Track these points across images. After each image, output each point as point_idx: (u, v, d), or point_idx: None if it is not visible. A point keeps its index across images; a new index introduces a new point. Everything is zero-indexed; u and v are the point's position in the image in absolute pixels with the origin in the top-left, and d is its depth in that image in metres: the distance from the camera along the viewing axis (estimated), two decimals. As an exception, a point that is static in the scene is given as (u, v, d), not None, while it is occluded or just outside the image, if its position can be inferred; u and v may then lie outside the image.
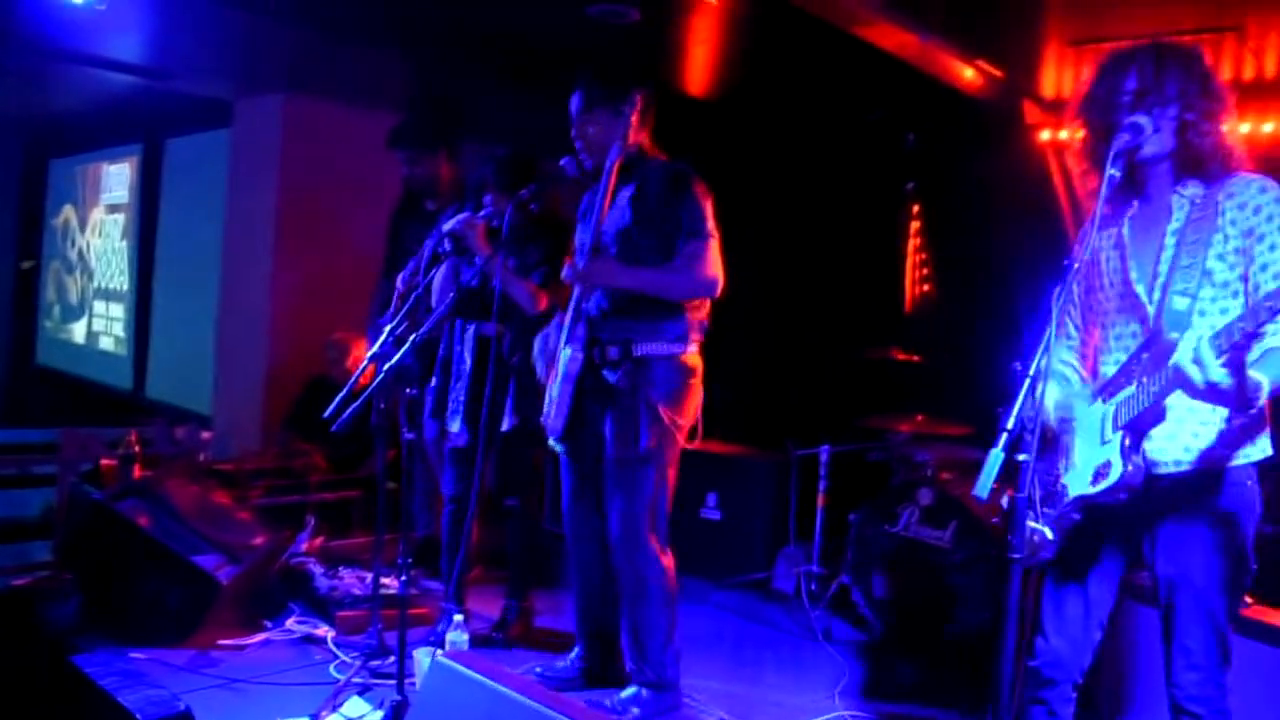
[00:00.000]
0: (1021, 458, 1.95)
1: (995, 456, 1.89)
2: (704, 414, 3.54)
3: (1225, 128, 2.36)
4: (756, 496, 5.18)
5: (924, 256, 6.06)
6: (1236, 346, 1.99)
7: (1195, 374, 2.01)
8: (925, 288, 6.06)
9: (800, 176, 6.42)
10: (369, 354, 3.44)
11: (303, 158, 6.43)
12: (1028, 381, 1.95)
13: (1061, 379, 2.55)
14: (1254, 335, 1.99)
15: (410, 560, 3.44)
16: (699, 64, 5.50)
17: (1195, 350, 2.00)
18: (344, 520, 5.25)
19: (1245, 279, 2.28)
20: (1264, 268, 2.25)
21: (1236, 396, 2.02)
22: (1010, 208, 5.47)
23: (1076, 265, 2.16)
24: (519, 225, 3.50)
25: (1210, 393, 2.03)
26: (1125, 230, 2.45)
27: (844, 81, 5.47)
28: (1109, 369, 2.45)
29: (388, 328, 3.43)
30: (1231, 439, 2.31)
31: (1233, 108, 2.37)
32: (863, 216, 6.15)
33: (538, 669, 3.85)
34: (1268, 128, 4.61)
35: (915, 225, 6.08)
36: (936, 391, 5.18)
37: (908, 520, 4.42)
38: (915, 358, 5.16)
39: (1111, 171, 2.20)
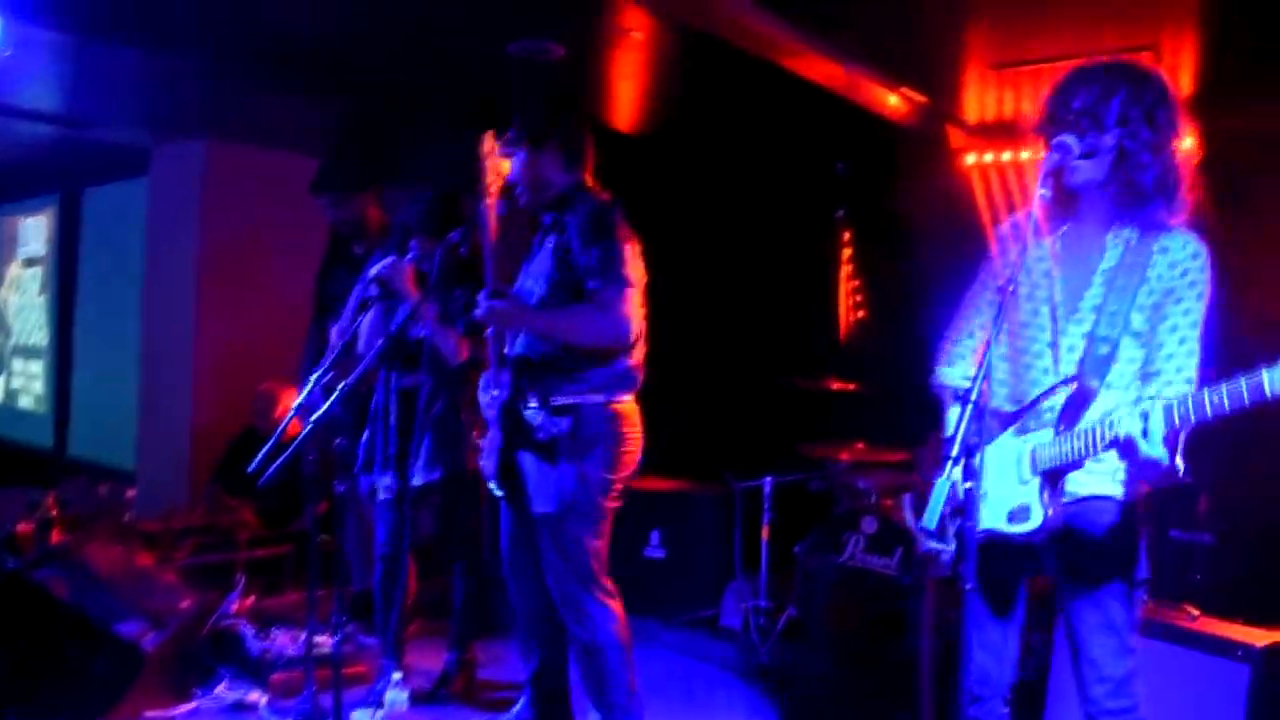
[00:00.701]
0: (967, 485, 1.90)
1: (942, 486, 1.85)
2: (646, 451, 3.44)
3: (1172, 161, 2.33)
4: (700, 532, 5.12)
5: (857, 283, 6.07)
6: (1175, 430, 2.03)
7: (1143, 447, 2.03)
8: (859, 314, 6.06)
9: (732, 208, 6.40)
10: (295, 405, 3.32)
11: (225, 204, 6.28)
12: (970, 407, 1.91)
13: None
14: (1189, 422, 2.01)
15: (344, 617, 3.30)
16: (626, 99, 5.46)
17: (1146, 426, 2.03)
18: (276, 577, 5.08)
19: (1153, 332, 2.31)
20: (1173, 329, 2.29)
21: (1166, 472, 2.07)
22: (938, 232, 5.50)
23: (1011, 288, 2.12)
24: (447, 270, 3.40)
25: (1145, 464, 2.07)
26: (1058, 246, 2.45)
27: (772, 112, 5.46)
28: (1009, 381, 2.47)
29: (314, 377, 3.31)
30: (1135, 482, 2.37)
31: (1182, 138, 2.34)
32: (795, 246, 6.14)
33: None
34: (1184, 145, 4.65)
35: (847, 252, 6.08)
36: (875, 418, 5.15)
37: (853, 549, 4.38)
38: (851, 385, 5.14)
39: (1041, 191, 2.18)
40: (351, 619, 4.78)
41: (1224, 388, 1.96)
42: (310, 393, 3.24)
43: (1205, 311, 2.31)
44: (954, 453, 1.87)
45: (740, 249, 6.32)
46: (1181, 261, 2.30)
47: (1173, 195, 2.33)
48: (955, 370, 2.68)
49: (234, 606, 4.55)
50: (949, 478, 1.85)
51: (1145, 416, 2.04)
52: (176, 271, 6.37)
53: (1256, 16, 3.77)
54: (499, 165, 3.28)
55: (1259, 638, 3.18)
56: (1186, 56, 4.22)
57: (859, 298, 6.08)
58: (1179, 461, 2.10)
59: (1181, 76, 4.43)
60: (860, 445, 4.82)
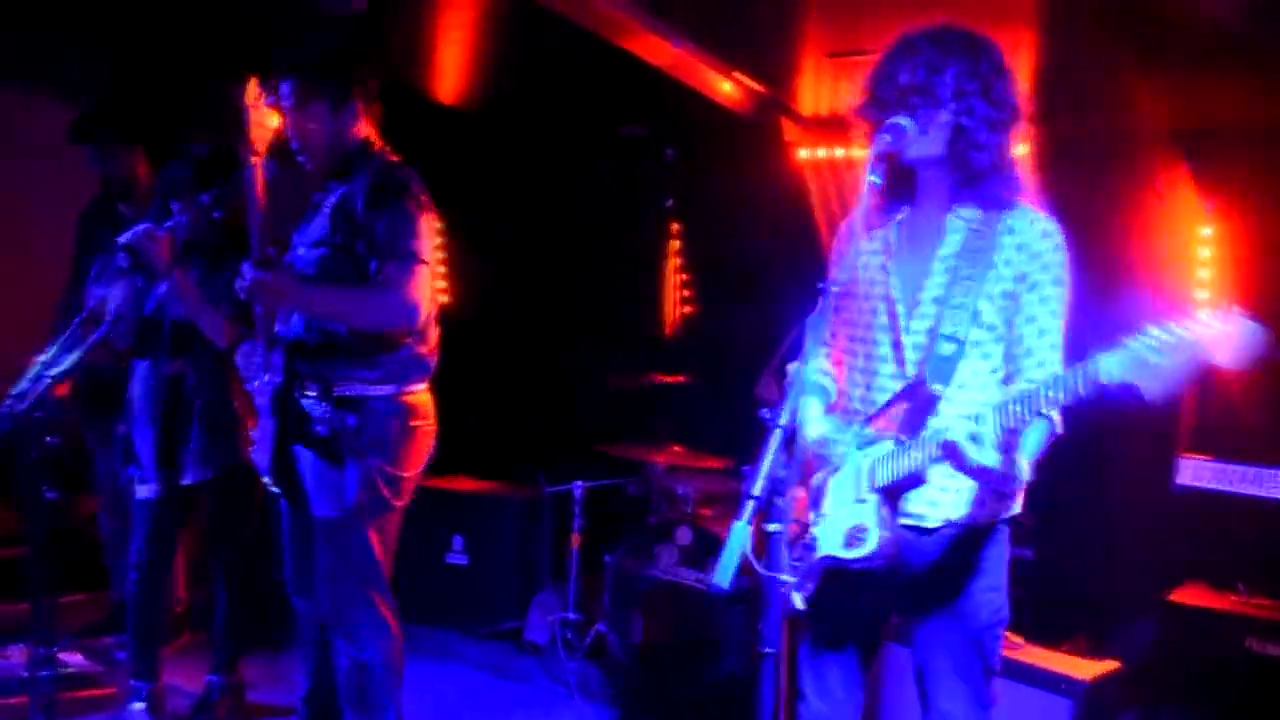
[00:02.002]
0: (773, 528, 1.60)
1: (740, 531, 1.54)
2: (450, 449, 3.08)
3: (1009, 141, 2.11)
4: (507, 538, 4.73)
5: (685, 277, 5.81)
6: (1011, 431, 1.84)
7: (971, 454, 1.82)
8: (687, 309, 5.80)
9: (556, 192, 6.07)
10: (13, 389, 2.81)
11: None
12: (778, 435, 1.61)
13: (820, 391, 2.32)
14: (1025, 421, 1.83)
15: (44, 640, 2.81)
16: (447, 68, 5.07)
17: (974, 430, 1.83)
18: (17, 582, 4.47)
19: (1009, 325, 2.09)
20: (1029, 319, 2.08)
21: (1000, 479, 1.89)
22: (770, 226, 5.31)
23: (835, 289, 1.85)
24: (199, 237, 2.93)
25: (977, 472, 1.86)
26: (893, 235, 2.20)
27: (601, 94, 5.16)
28: (857, 390, 2.23)
29: (40, 359, 2.81)
30: (984, 501, 2.14)
31: (1022, 117, 2.12)
32: (621, 235, 5.84)
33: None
34: (1018, 150, 4.57)
35: (675, 244, 5.82)
36: (697, 419, 4.91)
37: (666, 561, 4.11)
38: (677, 378, 4.86)
39: (871, 178, 1.93)
40: (110, 631, 4.28)
41: (1058, 380, 1.78)
42: (35, 376, 2.74)
43: (1066, 298, 2.10)
44: (756, 489, 1.56)
45: (564, 236, 6.01)
46: (1032, 243, 2.08)
47: (1009, 176, 2.11)
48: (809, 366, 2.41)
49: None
50: (747, 522, 1.53)
51: (977, 419, 1.85)
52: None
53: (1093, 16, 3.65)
54: (265, 117, 2.83)
55: (1083, 670, 3.07)
56: (1023, 57, 4.10)
57: (687, 292, 5.83)
58: (1022, 463, 1.92)
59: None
60: (678, 448, 4.54)
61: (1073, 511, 4.36)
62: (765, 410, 1.64)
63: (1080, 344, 2.01)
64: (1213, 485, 3.43)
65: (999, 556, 2.20)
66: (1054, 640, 3.38)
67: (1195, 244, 4.35)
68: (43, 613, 3.25)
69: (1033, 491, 3.99)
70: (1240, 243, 4.21)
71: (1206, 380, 1.75)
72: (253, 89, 2.81)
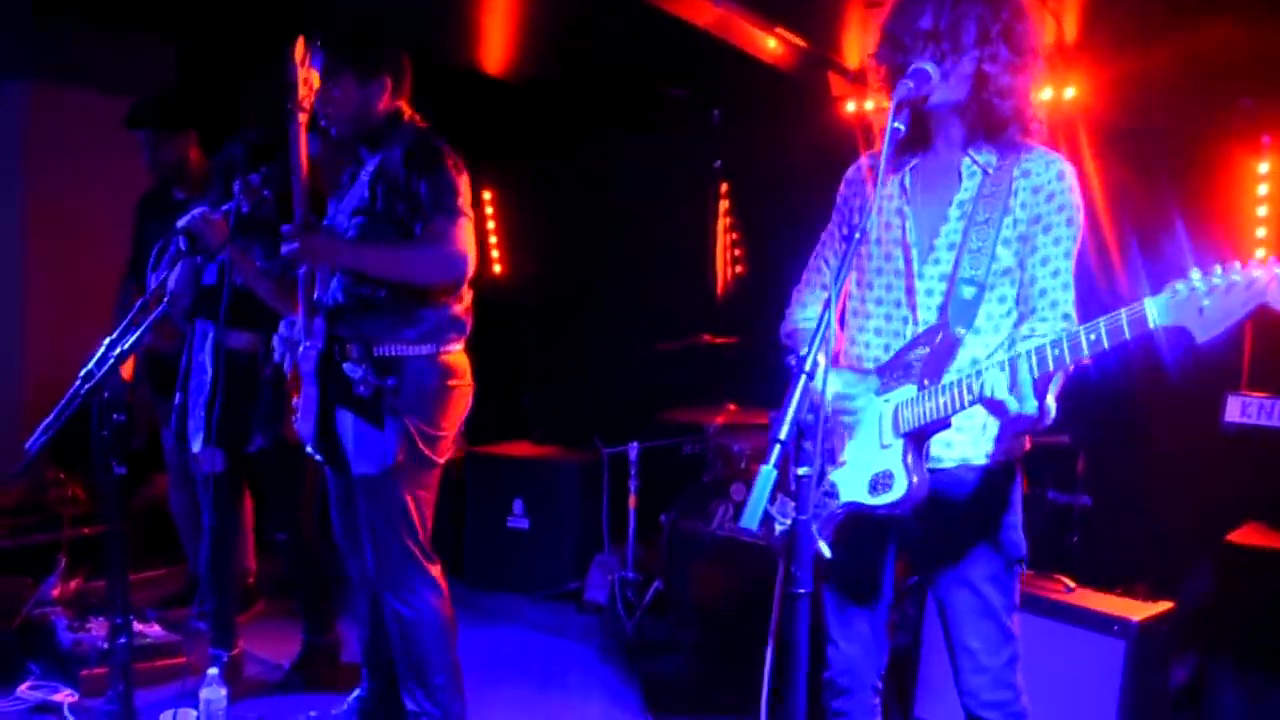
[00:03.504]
0: (802, 472, 1.63)
1: (767, 475, 1.57)
2: (509, 417, 3.14)
3: (1030, 85, 2.10)
4: (566, 501, 4.80)
5: (735, 236, 5.81)
6: (1048, 375, 1.81)
7: (1011, 404, 1.82)
8: (738, 269, 5.80)
9: (603, 160, 6.09)
10: (83, 370, 2.92)
11: (54, 153, 5.74)
12: (803, 379, 1.63)
13: (823, 342, 2.31)
14: (1064, 365, 1.79)
15: (129, 610, 2.93)
16: (493, 40, 5.10)
17: (1015, 379, 1.81)
18: (99, 559, 4.65)
19: (1022, 266, 2.10)
20: (1044, 261, 2.08)
21: (1036, 421, 1.86)
22: (820, 183, 5.25)
23: (857, 235, 1.86)
24: (251, 214, 3.02)
25: (1015, 419, 1.84)
26: (907, 180, 2.20)
27: (647, 57, 5.15)
28: (866, 336, 2.23)
29: (107, 340, 2.91)
30: (1006, 439, 2.16)
31: (1041, 61, 2.11)
32: (671, 199, 5.85)
33: (312, 714, 3.41)
34: (1069, 93, 4.49)
35: (724, 205, 5.81)
36: (751, 378, 4.93)
37: (722, 517, 4.15)
38: (729, 339, 4.88)
39: (895, 124, 1.91)
40: (187, 603, 4.44)
41: (1101, 323, 1.74)
42: (102, 357, 2.84)
43: (1078, 238, 2.09)
44: (782, 434, 1.59)
45: (613, 203, 6.02)
46: (1046, 185, 2.08)
47: (1030, 121, 2.10)
48: (806, 312, 2.43)
49: (54, 591, 4.15)
50: (774, 465, 1.56)
51: (1013, 368, 1.82)
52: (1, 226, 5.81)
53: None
54: (311, 76, 2.92)
55: (1135, 611, 3.04)
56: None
57: (738, 252, 5.82)
58: (1050, 404, 1.90)
59: (1066, 21, 4.24)
60: (733, 407, 4.57)
61: (1131, 458, 4.32)
62: (791, 356, 1.67)
63: (1134, 284, 1.99)
64: (1261, 421, 3.37)
65: (1015, 495, 2.21)
66: (1111, 586, 3.36)
67: (1253, 181, 4.27)
68: (119, 586, 3.39)
69: (1089, 439, 4.00)
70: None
71: (1258, 320, 1.70)
72: (300, 48, 2.90)
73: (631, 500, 4.49)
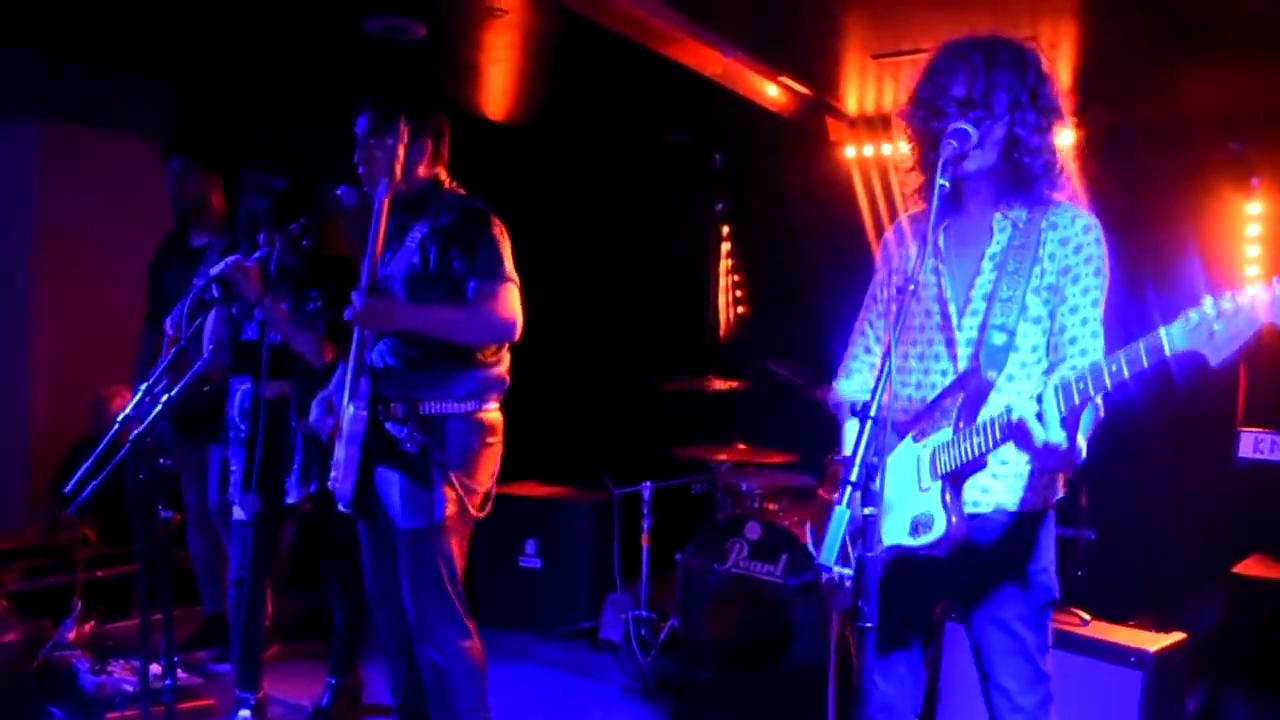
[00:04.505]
0: (868, 512, 1.71)
1: (841, 515, 1.65)
2: (519, 457, 3.23)
3: (1056, 142, 2.22)
4: (579, 540, 4.88)
5: (738, 278, 5.93)
6: (1074, 410, 1.90)
7: (1038, 432, 1.90)
8: (740, 310, 5.92)
9: (608, 203, 6.21)
10: (121, 415, 2.98)
11: (64, 193, 5.79)
12: (869, 426, 1.72)
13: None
14: (1089, 397, 1.88)
15: (174, 650, 2.97)
16: (495, 85, 5.21)
17: (1041, 408, 1.91)
18: (122, 600, 4.67)
19: (1052, 316, 2.21)
20: (1073, 310, 2.18)
21: (1065, 457, 1.93)
22: (819, 225, 5.40)
23: (911, 286, 1.95)
24: (291, 264, 3.10)
25: (1044, 452, 1.92)
26: (940, 240, 2.31)
27: (649, 103, 5.29)
28: (908, 390, 2.32)
29: (144, 385, 2.97)
30: (1041, 485, 2.26)
31: (1066, 118, 2.24)
32: (674, 241, 5.97)
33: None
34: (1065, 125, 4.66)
35: (726, 247, 5.94)
36: (757, 417, 5.03)
37: (736, 556, 4.22)
38: (733, 383, 4.98)
39: (941, 181, 2.02)
40: (203, 645, 4.46)
41: (1121, 355, 1.84)
42: (138, 403, 2.90)
43: (1106, 288, 2.20)
44: (853, 476, 1.68)
45: (619, 246, 6.14)
46: (1074, 237, 2.19)
47: (1058, 175, 2.22)
48: (852, 383, 2.53)
49: (70, 634, 4.16)
50: (847, 504, 1.66)
51: (1039, 399, 1.92)
52: (8, 267, 5.84)
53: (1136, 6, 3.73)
54: (400, 150, 3.03)
55: (1150, 642, 3.14)
56: (1068, 48, 4.17)
57: (740, 293, 5.94)
58: (1081, 442, 1.98)
59: (1061, 68, 4.39)
60: (741, 446, 4.66)
61: (1133, 492, 4.43)
62: (856, 404, 1.76)
63: (1135, 327, 2.10)
64: (1274, 457, 3.49)
65: (1048, 539, 2.31)
66: (1120, 619, 3.45)
67: (1243, 222, 4.42)
68: (166, 627, 3.40)
69: (1092, 474, 4.10)
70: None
71: (1257, 356, 1.80)
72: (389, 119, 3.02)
73: (644, 539, 4.55)
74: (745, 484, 4.53)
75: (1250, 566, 3.58)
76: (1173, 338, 1.79)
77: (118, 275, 5.55)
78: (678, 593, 4.34)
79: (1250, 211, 4.42)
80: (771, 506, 4.33)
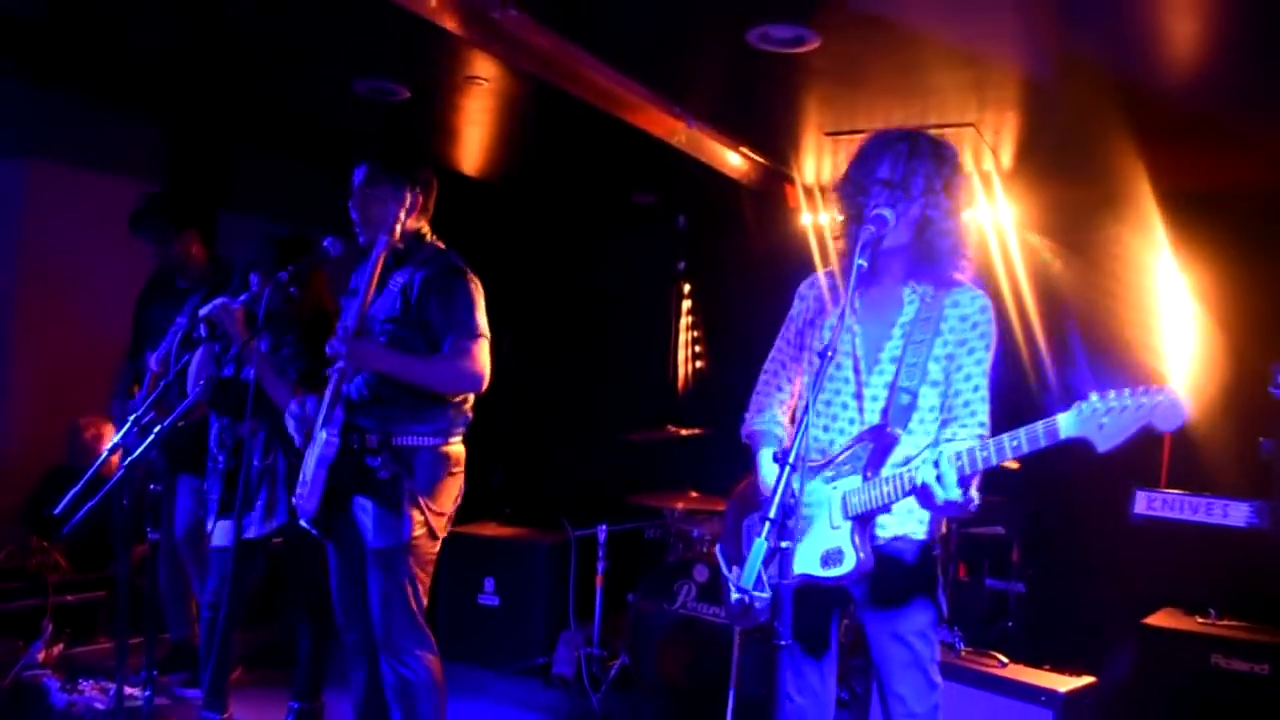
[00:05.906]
0: (784, 545, 1.97)
1: (760, 547, 1.91)
2: (481, 498, 3.46)
3: (963, 228, 2.55)
4: (535, 580, 5.10)
5: (697, 334, 6.20)
6: (975, 472, 2.21)
7: (939, 492, 2.21)
8: (698, 364, 6.18)
9: (575, 258, 6.49)
10: (110, 444, 3.18)
11: (47, 228, 5.96)
12: (787, 469, 1.99)
13: (776, 440, 2.72)
14: (991, 464, 2.17)
15: (154, 669, 3.16)
16: (473, 145, 5.46)
17: (939, 472, 2.20)
18: (89, 624, 4.81)
19: (948, 380, 2.51)
20: (967, 377, 2.50)
21: (962, 508, 2.25)
22: (775, 286, 5.63)
23: (830, 353, 2.23)
24: (277, 310, 3.34)
25: (944, 507, 2.24)
26: (856, 303, 2.59)
27: (617, 165, 5.57)
28: (815, 431, 2.59)
29: (133, 416, 3.18)
30: (934, 521, 2.57)
31: (971, 203, 2.56)
32: (637, 296, 6.25)
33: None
34: (1005, 214, 5.02)
35: (687, 304, 6.22)
36: (709, 466, 5.26)
37: (685, 597, 4.44)
38: (693, 430, 5.22)
39: (860, 261, 2.30)
40: (169, 670, 4.60)
41: (1022, 433, 2.13)
42: (127, 433, 3.11)
43: (993, 359, 2.52)
44: (772, 513, 1.94)
45: (583, 300, 6.41)
46: (971, 315, 2.51)
47: (962, 256, 2.54)
48: (762, 418, 2.79)
49: (40, 656, 4.31)
50: (765, 539, 1.92)
51: (936, 464, 2.21)
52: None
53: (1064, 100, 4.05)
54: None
55: (1061, 683, 3.40)
56: (1009, 134, 4.50)
57: (698, 348, 6.21)
58: (974, 494, 2.27)
59: (1002, 153, 4.73)
60: (694, 494, 4.90)
61: (1061, 547, 4.72)
62: (778, 450, 2.02)
63: (1054, 399, 2.41)
64: (1166, 514, 3.78)
65: (935, 566, 2.61)
66: (1042, 665, 3.70)
67: (1170, 303, 4.74)
68: (148, 644, 3.54)
69: (1023, 529, 4.38)
70: (1215, 302, 4.59)
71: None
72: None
73: (599, 580, 4.77)
74: (696, 530, 4.76)
75: (1160, 619, 3.85)
76: (1068, 424, 2.08)
77: (97, 309, 5.71)
78: (629, 632, 4.55)
79: (1177, 292, 4.73)
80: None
